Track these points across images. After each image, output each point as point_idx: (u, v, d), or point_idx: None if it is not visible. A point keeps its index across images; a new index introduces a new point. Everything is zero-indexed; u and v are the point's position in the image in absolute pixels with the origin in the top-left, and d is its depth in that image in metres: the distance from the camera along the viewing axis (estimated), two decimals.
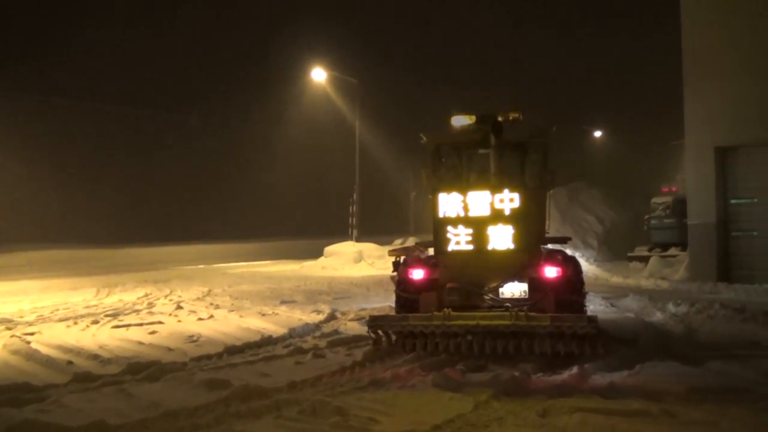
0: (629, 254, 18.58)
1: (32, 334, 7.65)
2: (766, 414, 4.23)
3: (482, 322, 5.83)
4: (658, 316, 8.62)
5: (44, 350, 6.63)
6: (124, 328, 8.09)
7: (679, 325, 7.88)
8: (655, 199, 19.17)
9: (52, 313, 9.61)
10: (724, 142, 13.41)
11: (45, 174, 30.02)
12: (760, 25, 13.01)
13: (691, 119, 13.95)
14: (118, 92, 36.20)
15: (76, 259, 23.10)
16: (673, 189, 20.10)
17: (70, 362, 6.09)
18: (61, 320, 8.81)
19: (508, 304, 6.18)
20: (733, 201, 13.51)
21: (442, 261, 6.49)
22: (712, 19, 13.72)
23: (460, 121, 6.80)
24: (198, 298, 11.55)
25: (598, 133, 40.84)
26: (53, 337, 7.41)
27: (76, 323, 8.50)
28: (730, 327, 7.76)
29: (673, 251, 16.93)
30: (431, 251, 6.92)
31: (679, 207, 17.05)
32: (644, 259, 16.83)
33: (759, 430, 3.99)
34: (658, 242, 18.08)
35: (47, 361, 6.15)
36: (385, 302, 10.08)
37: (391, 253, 7.97)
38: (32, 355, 6.41)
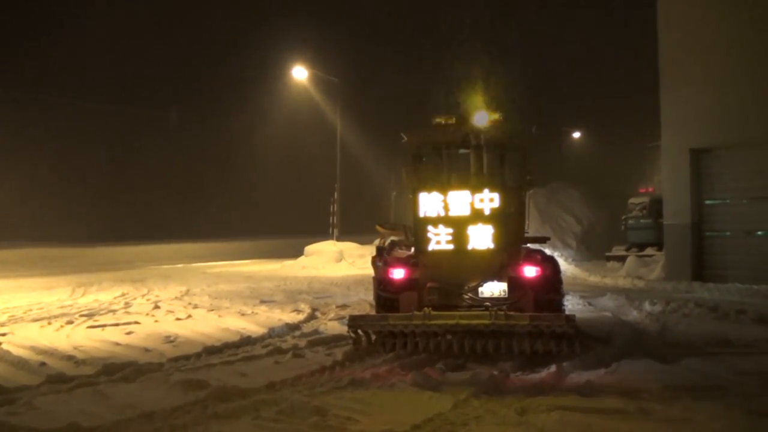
0: (607, 254, 18.85)
1: (4, 335, 7.47)
2: (737, 410, 4.32)
3: (462, 322, 5.86)
4: (634, 315, 8.75)
5: (16, 351, 6.49)
6: (99, 329, 7.96)
7: (655, 323, 8.01)
8: (632, 200, 19.47)
9: (24, 313, 9.40)
10: (699, 144, 13.67)
11: (17, 169, 29.38)
12: (735, 30, 13.29)
13: (668, 122, 14.20)
14: (95, 87, 35.61)
15: (50, 257, 22.62)
16: (650, 190, 20.44)
17: (43, 363, 5.97)
18: (34, 320, 8.62)
19: (487, 303, 6.22)
20: (707, 202, 13.78)
21: (422, 260, 6.50)
22: (688, 24, 13.97)
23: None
24: (176, 298, 11.40)
25: (576, 135, 41.36)
26: (26, 338, 7.25)
27: (49, 323, 8.33)
28: (704, 325, 7.91)
29: (649, 251, 17.20)
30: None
31: (656, 207, 17.32)
32: (621, 259, 17.07)
33: (731, 426, 4.07)
34: (635, 242, 18.35)
35: (19, 363, 6.01)
36: (365, 300, 10.07)
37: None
38: (3, 357, 6.26)
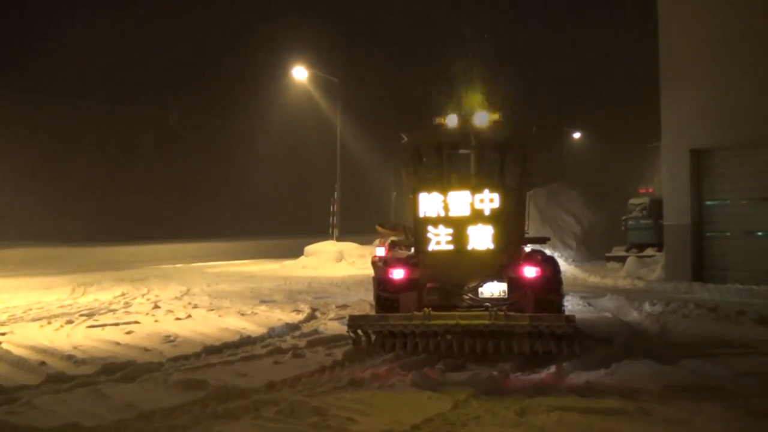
0: (607, 254, 18.84)
1: (3, 334, 7.48)
2: (737, 411, 4.32)
3: (461, 322, 5.86)
4: (634, 316, 8.75)
5: (16, 351, 6.49)
6: (99, 328, 7.96)
7: (655, 324, 8.01)
8: (632, 200, 19.47)
9: (24, 312, 9.40)
10: (699, 144, 13.67)
11: (17, 170, 29.38)
12: (736, 30, 13.29)
13: (668, 122, 14.20)
14: (95, 87, 35.61)
15: (50, 257, 22.63)
16: (650, 190, 20.44)
17: (43, 363, 5.97)
18: (34, 320, 8.62)
19: (487, 303, 6.23)
20: (707, 203, 13.78)
21: (422, 261, 6.50)
22: (688, 24, 13.97)
23: (454, 120, 6.85)
24: (176, 298, 11.40)
25: (577, 135, 41.38)
26: (26, 338, 7.25)
27: (49, 323, 8.34)
28: (704, 326, 7.91)
29: (649, 251, 17.19)
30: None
31: (656, 208, 17.31)
32: (621, 260, 17.07)
33: (731, 427, 4.07)
34: (635, 243, 18.34)
35: (19, 362, 6.01)
36: (365, 300, 10.07)
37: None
38: (3, 356, 6.26)
